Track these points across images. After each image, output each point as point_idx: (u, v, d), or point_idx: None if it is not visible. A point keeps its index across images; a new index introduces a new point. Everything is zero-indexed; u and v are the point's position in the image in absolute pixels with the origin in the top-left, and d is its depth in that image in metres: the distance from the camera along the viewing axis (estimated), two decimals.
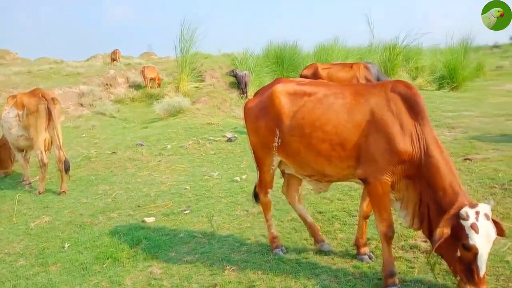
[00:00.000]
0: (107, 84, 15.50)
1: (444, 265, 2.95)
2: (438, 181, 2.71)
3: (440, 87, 13.83)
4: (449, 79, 13.77)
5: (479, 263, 2.47)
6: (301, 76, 8.85)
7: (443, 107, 10.01)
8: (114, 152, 8.42)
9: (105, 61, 22.05)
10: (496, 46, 40.60)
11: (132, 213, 5.20)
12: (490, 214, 2.52)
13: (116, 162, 7.76)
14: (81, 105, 13.60)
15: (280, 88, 3.40)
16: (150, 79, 15.83)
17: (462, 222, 2.48)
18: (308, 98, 3.23)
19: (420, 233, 3.28)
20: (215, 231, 4.42)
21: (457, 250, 2.54)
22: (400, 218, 3.16)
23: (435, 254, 2.78)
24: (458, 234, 2.50)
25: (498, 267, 3.09)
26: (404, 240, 3.68)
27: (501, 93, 13.04)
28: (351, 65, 9.73)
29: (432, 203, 2.76)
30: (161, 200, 5.56)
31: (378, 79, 9.56)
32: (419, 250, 3.49)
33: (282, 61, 17.44)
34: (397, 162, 2.83)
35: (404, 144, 2.81)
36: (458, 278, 2.62)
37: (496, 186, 4.66)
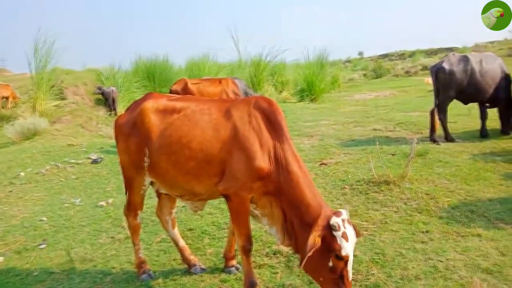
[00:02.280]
0: None
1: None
2: (300, 196, 2.76)
3: (301, 99, 15.09)
4: (308, 91, 15.11)
5: (349, 268, 2.53)
6: (171, 92, 8.77)
7: (303, 117, 10.91)
8: None
9: None
10: (348, 61, 46.09)
11: None
12: (349, 218, 2.61)
13: None
14: None
15: (149, 105, 3.28)
16: (2, 98, 13.92)
17: (335, 233, 2.49)
18: (177, 115, 3.17)
19: None
20: (76, 264, 4.04)
21: (328, 261, 2.52)
22: (273, 236, 3.13)
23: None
24: (331, 245, 2.49)
25: None
26: (268, 247, 3.85)
27: (351, 102, 14.77)
28: (219, 80, 9.97)
29: (295, 219, 2.79)
30: (11, 236, 4.87)
31: (246, 94, 9.98)
32: (282, 255, 3.70)
33: (153, 76, 17.05)
34: (257, 178, 2.85)
35: (263, 161, 2.85)
36: None
37: (346, 186, 5.22)
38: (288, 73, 19.04)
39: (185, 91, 9.19)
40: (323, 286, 2.63)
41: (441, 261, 3.29)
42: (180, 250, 3.67)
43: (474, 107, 8.21)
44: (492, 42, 36.99)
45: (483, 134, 7.47)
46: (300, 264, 2.67)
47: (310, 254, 2.45)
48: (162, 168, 3.16)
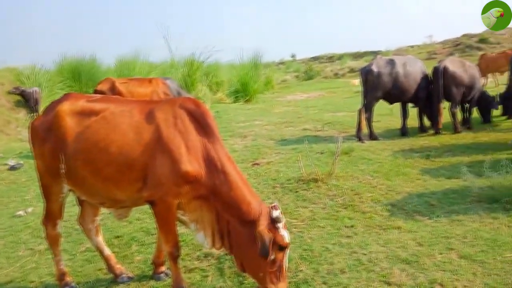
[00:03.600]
0: None
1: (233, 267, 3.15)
2: (240, 196, 2.75)
3: (236, 100, 15.15)
4: (242, 92, 15.22)
5: (286, 258, 2.67)
6: (96, 92, 8.31)
7: (237, 118, 10.97)
8: None
9: None
10: (281, 63, 47.09)
11: None
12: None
13: None
14: None
15: (65, 107, 3.05)
16: None
17: (278, 224, 2.61)
18: (95, 118, 2.98)
19: None
20: None
21: (271, 254, 2.58)
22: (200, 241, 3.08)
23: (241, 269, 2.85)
24: (275, 237, 2.59)
25: None
26: (199, 250, 3.79)
27: (284, 103, 15.12)
28: (149, 80, 9.69)
29: (234, 219, 2.77)
30: None
31: (179, 94, 9.79)
32: (213, 257, 3.66)
33: (79, 76, 16.08)
34: (184, 183, 2.77)
35: (190, 164, 2.77)
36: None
37: (278, 185, 5.31)
38: (223, 74, 19.01)
39: (113, 91, 8.79)
40: (262, 280, 2.68)
41: (365, 254, 3.45)
42: (106, 259, 3.48)
43: (396, 107, 8.78)
44: (412, 46, 39.86)
45: (404, 132, 8.02)
46: (240, 264, 2.77)
47: (270, 247, 2.55)
48: (80, 175, 2.97)
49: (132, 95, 8.92)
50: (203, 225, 2.93)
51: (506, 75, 11.43)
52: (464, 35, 34.99)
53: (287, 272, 2.81)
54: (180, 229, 4.01)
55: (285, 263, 2.69)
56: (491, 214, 4.04)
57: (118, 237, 4.32)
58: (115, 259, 3.53)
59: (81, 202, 3.45)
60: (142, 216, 4.75)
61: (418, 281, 2.99)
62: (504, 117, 8.57)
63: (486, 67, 14.69)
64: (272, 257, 2.59)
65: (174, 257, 2.96)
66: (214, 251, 3.69)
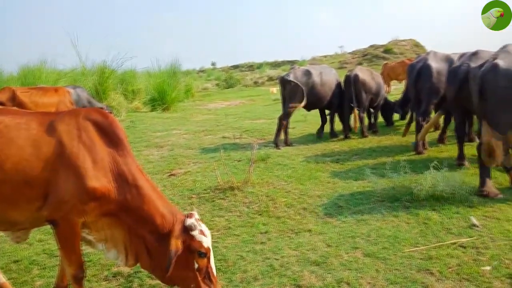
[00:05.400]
0: None
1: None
2: (153, 210, 2.66)
3: (153, 108, 14.71)
4: (160, 100, 14.81)
5: (211, 263, 2.67)
6: None
7: (154, 127, 10.64)
8: None
9: None
10: (202, 71, 46.99)
11: None
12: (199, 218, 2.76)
13: None
14: None
15: None
16: None
17: (193, 233, 2.59)
18: None
19: None
20: None
21: (193, 262, 2.59)
22: (112, 260, 2.98)
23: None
24: (192, 246, 2.58)
25: None
26: (107, 270, 3.57)
27: (204, 111, 15.04)
28: (56, 89, 9.07)
29: (149, 234, 2.67)
30: None
31: (90, 104, 9.28)
32: (122, 276, 3.47)
33: None
34: (90, 200, 2.59)
35: (98, 180, 2.59)
36: None
37: (194, 196, 5.23)
38: (140, 82, 18.38)
39: (13, 101, 8.08)
40: None
41: (277, 259, 3.51)
42: None
43: (309, 114, 9.18)
44: (325, 56, 42.25)
45: (332, 134, 8.56)
46: (163, 277, 2.67)
47: (174, 260, 2.50)
48: None
49: (36, 105, 8.26)
50: (114, 243, 2.77)
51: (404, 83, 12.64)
52: (371, 46, 37.97)
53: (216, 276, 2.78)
54: (88, 248, 3.77)
55: (213, 267, 2.69)
56: (393, 213, 4.36)
57: (16, 261, 3.91)
58: (10, 287, 3.19)
59: None
60: (45, 237, 4.37)
61: (326, 281, 3.11)
62: (403, 121, 9.48)
63: (388, 75, 16.34)
64: (196, 265, 2.59)
65: (78, 279, 2.75)
66: (124, 269, 3.52)
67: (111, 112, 9.21)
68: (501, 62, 4.54)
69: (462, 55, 5.88)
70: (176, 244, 2.55)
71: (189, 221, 2.62)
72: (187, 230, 2.60)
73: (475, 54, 5.43)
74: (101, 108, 8.61)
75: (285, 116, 8.00)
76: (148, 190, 2.71)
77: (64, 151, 2.62)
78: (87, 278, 3.35)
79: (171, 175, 6.19)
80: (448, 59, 6.85)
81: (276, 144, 7.76)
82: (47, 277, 3.59)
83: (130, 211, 2.68)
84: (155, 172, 6.29)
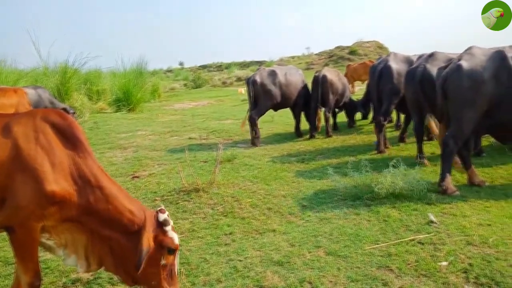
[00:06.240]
0: None
1: None
2: (121, 209, 2.61)
3: (118, 109, 14.39)
4: (125, 101, 14.50)
5: (176, 261, 2.63)
6: None
7: (118, 128, 10.41)
8: None
9: None
10: (169, 71, 46.35)
11: None
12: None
13: None
14: None
15: None
16: None
17: (165, 228, 2.57)
18: None
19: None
20: None
21: (161, 259, 2.55)
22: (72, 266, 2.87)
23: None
24: (164, 241, 2.55)
25: None
26: (66, 277, 3.46)
27: (171, 112, 14.84)
28: (15, 90, 8.69)
29: (116, 233, 2.62)
30: None
31: (52, 104, 8.97)
32: (81, 282, 3.37)
33: None
34: (49, 204, 2.49)
35: (57, 183, 2.50)
36: None
37: (158, 198, 5.15)
38: (105, 82, 17.93)
39: None
40: None
41: (241, 261, 3.51)
42: None
43: (276, 114, 9.24)
44: (293, 57, 42.64)
45: (298, 133, 8.74)
46: (127, 276, 2.64)
47: (145, 257, 2.47)
48: None
49: None
50: (74, 248, 2.68)
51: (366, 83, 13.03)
52: (337, 47, 38.65)
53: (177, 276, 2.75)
54: (46, 255, 3.64)
55: (176, 267, 2.66)
56: (354, 211, 4.45)
57: None
58: None
59: None
60: (0, 244, 4.18)
61: (289, 281, 3.13)
62: (366, 121, 9.81)
63: (351, 76, 17.05)
64: (163, 262, 2.56)
65: (35, 287, 2.65)
66: (83, 276, 3.42)
67: (74, 113, 8.95)
68: (464, 64, 4.72)
69: (420, 57, 6.10)
70: (147, 242, 2.53)
71: (162, 216, 2.60)
72: (160, 225, 2.59)
73: (431, 55, 5.64)
74: (64, 109, 8.36)
75: (257, 114, 8.12)
76: (112, 190, 2.66)
77: (20, 154, 2.51)
78: (44, 286, 3.25)
79: (135, 177, 6.07)
80: (408, 60, 7.08)
81: (254, 144, 7.93)
82: (1, 286, 3.44)
83: (95, 213, 2.62)
84: (118, 175, 6.15)
